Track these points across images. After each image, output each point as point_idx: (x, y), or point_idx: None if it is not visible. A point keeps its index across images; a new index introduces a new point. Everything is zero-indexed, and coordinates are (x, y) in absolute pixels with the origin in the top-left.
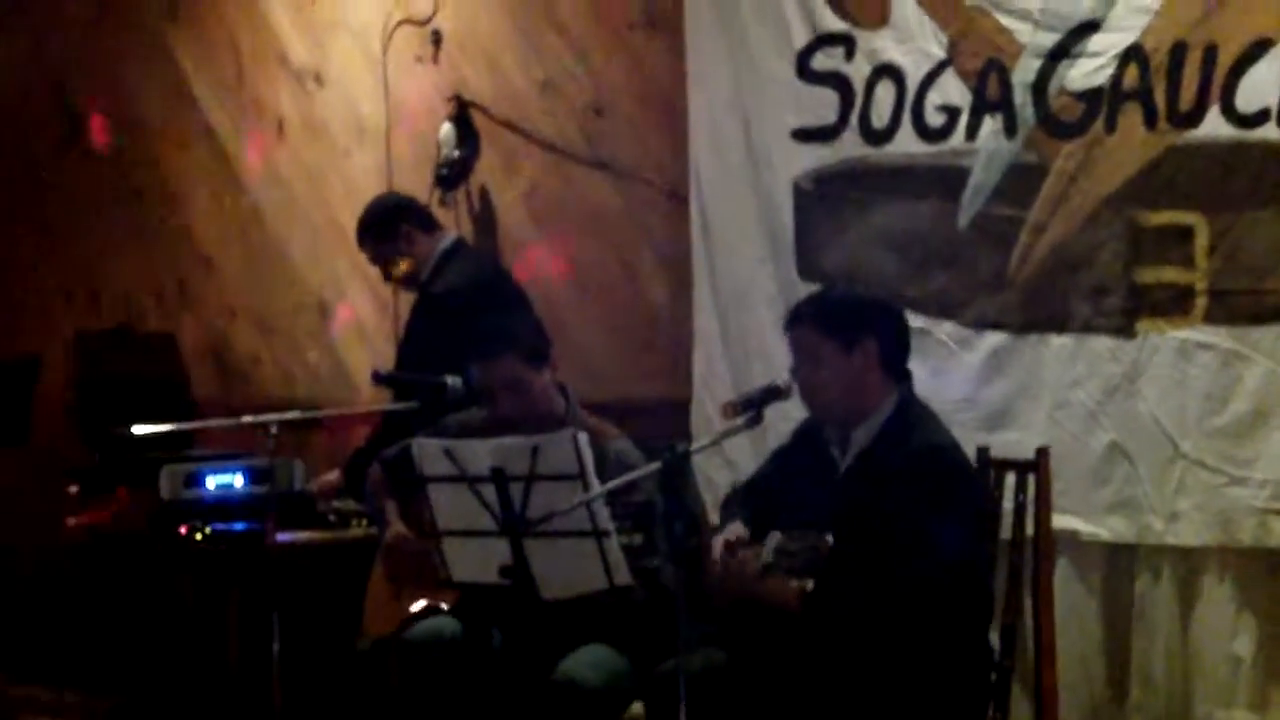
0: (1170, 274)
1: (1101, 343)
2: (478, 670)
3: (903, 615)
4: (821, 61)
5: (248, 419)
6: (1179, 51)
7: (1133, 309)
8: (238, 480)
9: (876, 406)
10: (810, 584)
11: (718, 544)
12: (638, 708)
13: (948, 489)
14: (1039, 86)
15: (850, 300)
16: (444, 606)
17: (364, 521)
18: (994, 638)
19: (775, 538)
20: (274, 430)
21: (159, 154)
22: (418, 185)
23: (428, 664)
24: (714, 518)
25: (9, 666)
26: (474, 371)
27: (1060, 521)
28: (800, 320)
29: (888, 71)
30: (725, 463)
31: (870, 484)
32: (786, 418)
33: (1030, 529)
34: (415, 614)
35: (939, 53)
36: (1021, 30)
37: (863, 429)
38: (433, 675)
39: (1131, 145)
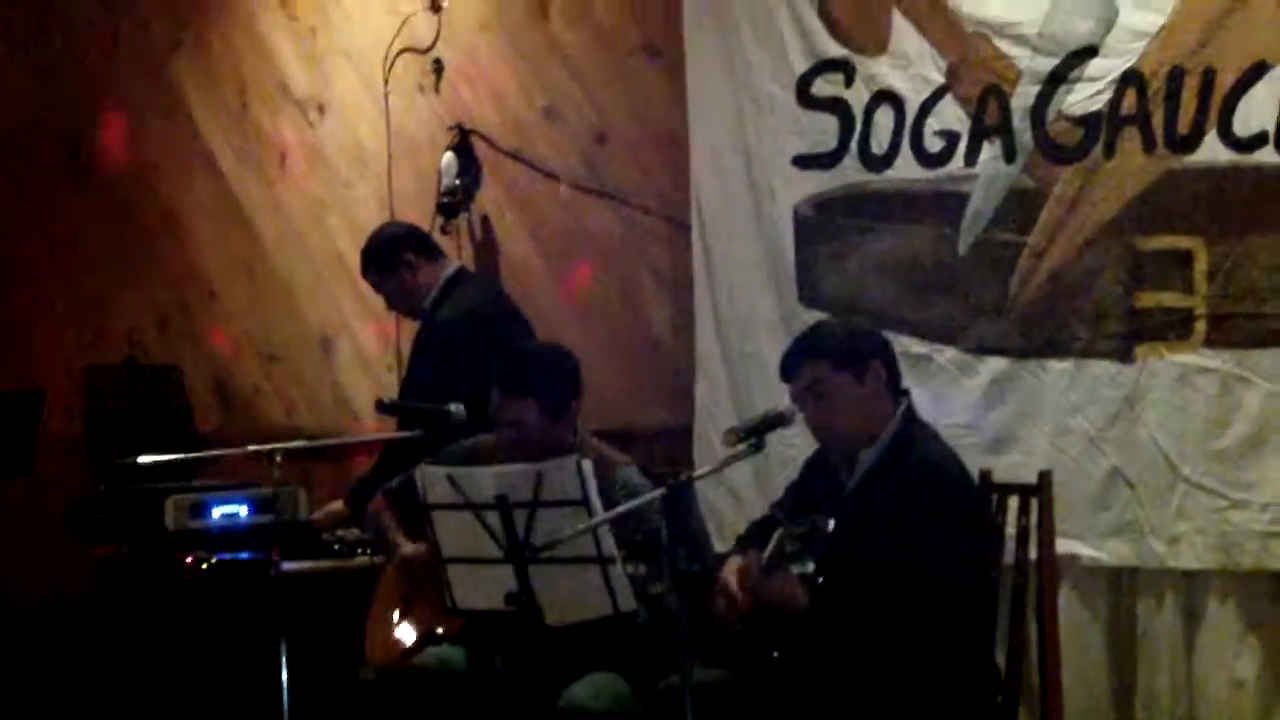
0: (1170, 298)
1: (1101, 367)
2: (484, 699)
3: (907, 619)
4: (821, 87)
5: (253, 448)
6: (1177, 76)
7: (1132, 334)
8: (243, 510)
9: (883, 427)
10: (811, 566)
11: (730, 569)
12: None
13: (950, 499)
14: (1037, 111)
15: (849, 329)
16: (440, 632)
17: (368, 550)
18: (999, 658)
19: (776, 534)
20: (278, 459)
21: (162, 185)
22: (419, 215)
23: (435, 693)
24: (720, 546)
25: (6, 702)
26: (492, 399)
27: (1063, 545)
28: (810, 357)
29: (887, 97)
30: (728, 490)
31: (875, 500)
32: (789, 445)
33: (1033, 552)
34: (417, 641)
35: (938, 78)
36: (1020, 56)
37: (870, 450)
38: (440, 704)
39: (1130, 170)
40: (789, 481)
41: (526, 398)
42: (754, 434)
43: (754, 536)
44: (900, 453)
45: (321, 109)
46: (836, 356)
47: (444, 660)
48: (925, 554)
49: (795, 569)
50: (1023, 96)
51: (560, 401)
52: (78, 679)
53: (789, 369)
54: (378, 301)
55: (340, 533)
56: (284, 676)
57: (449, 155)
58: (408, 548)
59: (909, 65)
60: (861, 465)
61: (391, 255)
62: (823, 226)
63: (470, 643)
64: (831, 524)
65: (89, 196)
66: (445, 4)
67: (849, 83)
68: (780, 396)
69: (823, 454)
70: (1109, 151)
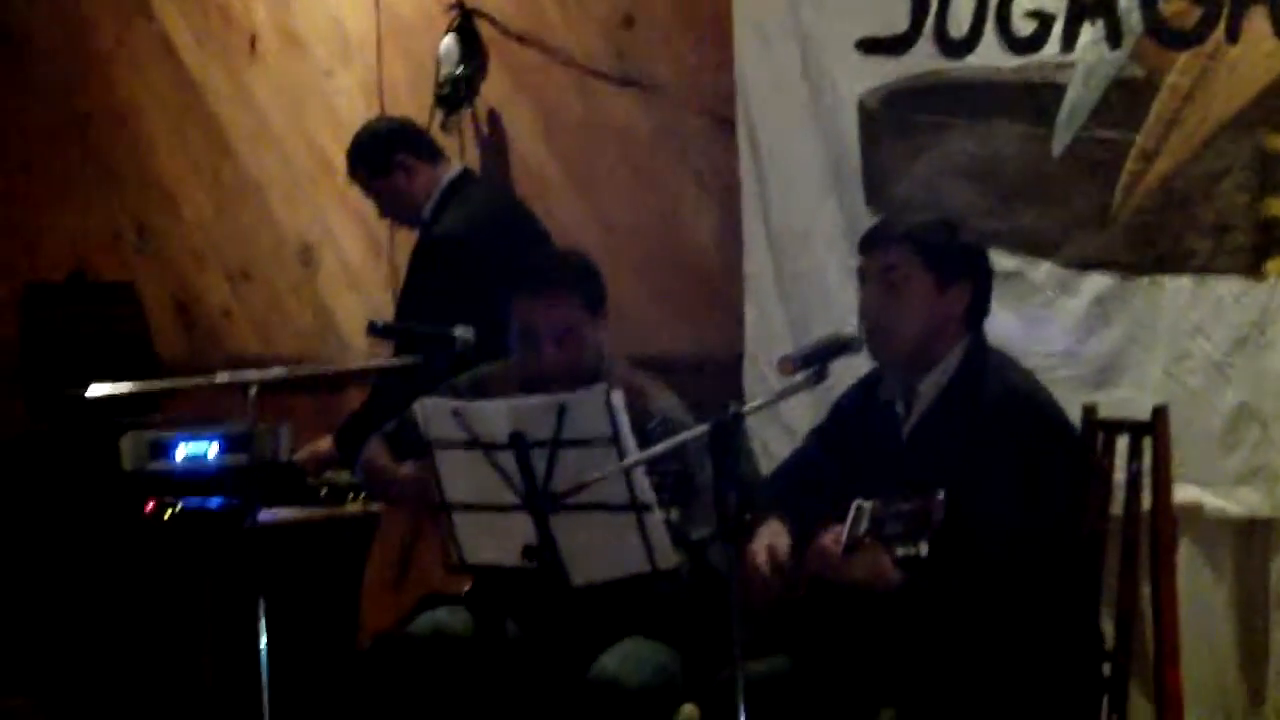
0: None
1: (1226, 285)
2: (493, 670)
3: (1003, 585)
4: None
5: (224, 377)
6: None
7: (1262, 246)
8: (212, 449)
9: (944, 355)
10: (925, 548)
11: (759, 551)
12: (689, 709)
13: (1039, 439)
14: None
15: (955, 234)
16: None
17: (361, 497)
18: (1106, 625)
19: (865, 507)
20: (254, 391)
21: (111, 76)
22: (415, 109)
23: (432, 663)
24: None
25: None
26: (518, 310)
27: (1182, 494)
28: (897, 240)
29: None
30: (783, 427)
31: (944, 444)
32: (855, 374)
33: (1147, 502)
34: (420, 604)
35: None
36: None
37: (929, 380)
38: (438, 676)
39: (1257, 57)
40: (816, 425)
41: (565, 289)
42: (814, 362)
43: (783, 497)
44: (970, 384)
45: None
46: (931, 252)
47: (441, 625)
48: (1013, 508)
49: (901, 551)
50: None
51: (599, 296)
52: (19, 648)
53: (872, 239)
54: (367, 205)
55: (328, 476)
56: (262, 644)
57: (449, 39)
58: (408, 470)
59: None
60: (920, 401)
61: (383, 156)
62: (892, 122)
63: (477, 605)
64: (942, 495)
65: (24, 87)
66: None
67: None
68: (844, 319)
69: (860, 393)
70: (1232, 35)
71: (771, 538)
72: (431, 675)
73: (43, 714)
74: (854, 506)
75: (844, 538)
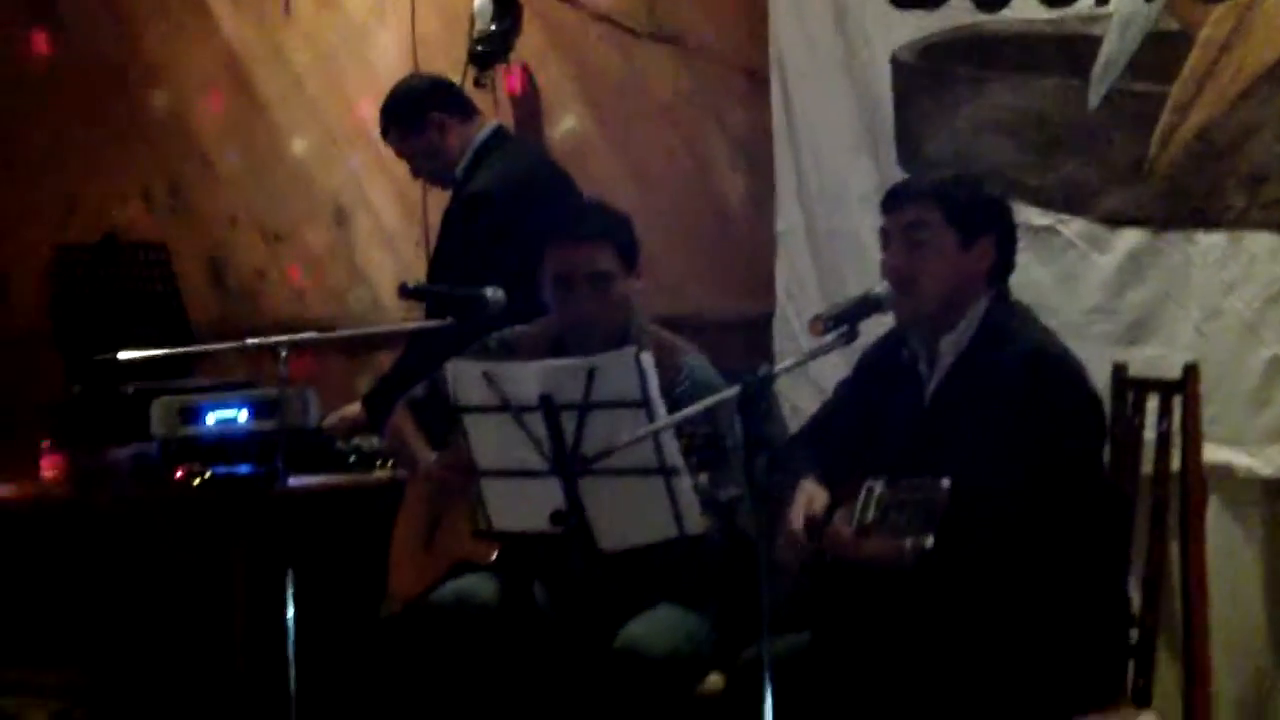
0: None
1: (1260, 240)
2: (521, 637)
3: (1031, 557)
4: None
5: (253, 342)
6: None
7: None
8: (242, 415)
9: (966, 313)
10: (930, 540)
11: (796, 516)
12: (715, 679)
13: (1066, 401)
14: None
15: (979, 189)
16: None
17: (389, 463)
18: (1132, 590)
19: (875, 490)
20: (284, 354)
21: (144, 35)
22: (449, 66)
23: (455, 631)
24: None
25: None
26: (552, 258)
27: (1212, 453)
28: (919, 198)
29: None
30: (814, 387)
31: (968, 403)
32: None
33: (1176, 462)
34: (450, 572)
35: None
36: None
37: (950, 338)
38: (462, 644)
39: None
40: (841, 379)
41: (601, 237)
42: (845, 321)
43: (799, 465)
44: (993, 342)
45: None
46: (953, 208)
47: (465, 593)
48: (1040, 471)
49: (909, 542)
50: None
51: (633, 250)
52: (50, 619)
53: (895, 198)
54: (401, 167)
55: (357, 441)
56: (289, 611)
57: None
58: (428, 457)
59: None
60: (943, 358)
61: (417, 113)
62: (927, 77)
63: (505, 571)
64: (947, 484)
65: (59, 47)
66: None
67: None
68: (876, 278)
69: (885, 348)
70: None
71: (808, 499)
72: (455, 643)
73: (74, 685)
74: (865, 488)
75: (853, 522)
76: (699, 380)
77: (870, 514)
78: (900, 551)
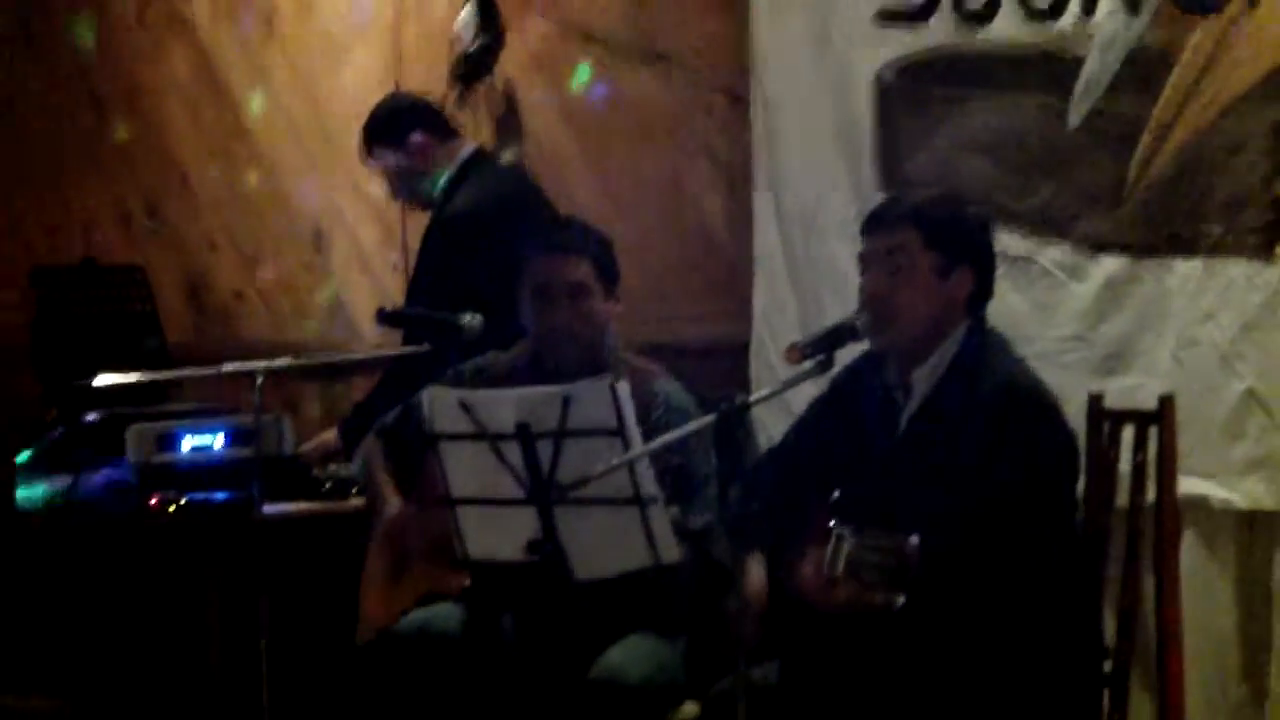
0: None
1: (1237, 267)
2: (484, 667)
3: (1005, 594)
4: None
5: (230, 367)
6: None
7: (1274, 226)
8: (217, 441)
9: (942, 343)
10: (901, 600)
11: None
12: (689, 708)
13: (1040, 438)
14: None
15: (960, 211)
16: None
17: (363, 491)
18: (1106, 621)
19: (845, 542)
20: (260, 381)
21: (125, 54)
22: (432, 85)
23: (418, 662)
24: None
25: None
26: (532, 271)
27: (1187, 485)
28: (898, 221)
29: None
30: (790, 416)
31: (941, 436)
32: None
33: (1151, 493)
34: (416, 600)
35: None
36: None
37: (925, 368)
38: (425, 675)
39: (1277, 26)
40: (799, 417)
41: (580, 252)
42: (821, 349)
43: (767, 490)
44: (967, 373)
45: None
46: (933, 231)
47: (427, 624)
48: (1015, 505)
49: (880, 599)
50: None
51: (614, 272)
52: (24, 644)
53: (875, 220)
54: (380, 189)
55: (333, 468)
56: (264, 640)
57: (467, 11)
58: (393, 506)
59: None
60: (917, 389)
61: (398, 133)
62: (908, 97)
63: (474, 601)
64: (915, 540)
65: (38, 65)
66: None
67: None
68: (855, 304)
69: (858, 372)
70: (1253, 1)
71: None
72: (417, 673)
73: (44, 710)
74: (834, 536)
75: (825, 569)
76: (674, 406)
77: (840, 566)
78: (871, 604)
